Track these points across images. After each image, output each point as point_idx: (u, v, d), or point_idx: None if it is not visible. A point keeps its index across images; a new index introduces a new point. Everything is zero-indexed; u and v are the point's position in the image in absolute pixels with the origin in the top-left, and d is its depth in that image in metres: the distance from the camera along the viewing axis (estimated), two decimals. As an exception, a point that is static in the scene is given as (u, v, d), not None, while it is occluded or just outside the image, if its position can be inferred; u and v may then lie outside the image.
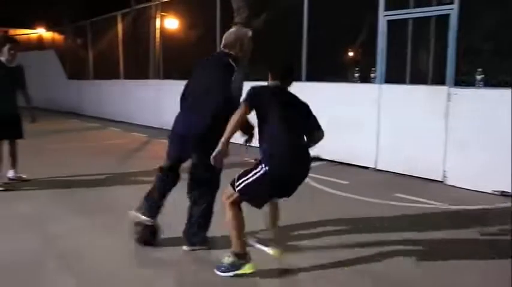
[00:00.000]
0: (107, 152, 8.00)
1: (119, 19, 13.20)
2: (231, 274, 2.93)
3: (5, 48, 5.33)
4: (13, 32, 23.04)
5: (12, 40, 5.59)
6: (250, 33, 3.46)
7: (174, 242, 3.47)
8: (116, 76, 13.34)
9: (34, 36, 21.15)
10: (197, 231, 3.38)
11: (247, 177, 2.84)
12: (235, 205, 2.91)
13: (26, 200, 4.84)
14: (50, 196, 5.01)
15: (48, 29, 20.10)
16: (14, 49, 5.42)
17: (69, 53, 17.03)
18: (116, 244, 3.58)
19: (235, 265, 2.93)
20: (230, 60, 3.26)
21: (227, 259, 2.95)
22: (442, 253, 3.39)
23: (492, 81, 5.73)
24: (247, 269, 2.93)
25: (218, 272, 2.97)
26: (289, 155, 2.85)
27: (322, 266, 3.13)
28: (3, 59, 5.37)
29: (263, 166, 2.81)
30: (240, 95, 3.27)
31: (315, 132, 3.07)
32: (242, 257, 2.94)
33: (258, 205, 2.98)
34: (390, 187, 5.44)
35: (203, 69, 3.45)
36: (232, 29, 3.47)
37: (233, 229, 2.91)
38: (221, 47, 3.42)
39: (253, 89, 2.94)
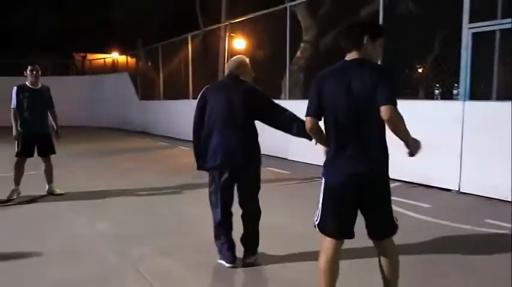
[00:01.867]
0: (179, 170, 8.13)
1: (189, 41, 13.61)
2: None
3: (27, 72, 5.78)
4: (90, 56, 24.69)
5: (30, 64, 5.93)
6: (246, 59, 3.64)
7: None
8: (185, 96, 13.71)
9: (109, 60, 22.43)
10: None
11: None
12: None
13: (107, 218, 4.96)
14: (129, 213, 5.11)
15: (122, 52, 21.23)
16: (34, 71, 5.79)
17: (141, 75, 17.82)
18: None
19: None
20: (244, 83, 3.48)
21: None
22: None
23: None
24: None
25: None
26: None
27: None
28: (27, 82, 5.81)
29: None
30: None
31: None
32: None
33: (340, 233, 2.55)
34: (478, 212, 5.00)
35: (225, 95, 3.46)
36: (233, 58, 3.64)
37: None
38: (228, 73, 3.55)
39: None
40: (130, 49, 19.59)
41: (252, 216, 3.49)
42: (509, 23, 5.64)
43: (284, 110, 3.54)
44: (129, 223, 4.73)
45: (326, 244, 2.54)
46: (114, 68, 21.52)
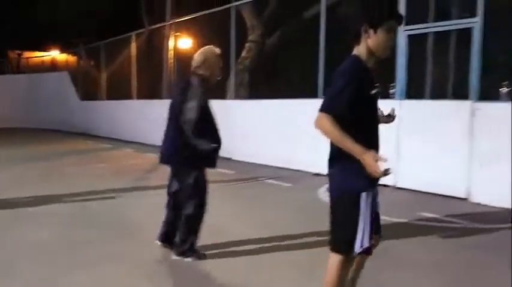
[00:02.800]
0: (122, 173, 7.90)
1: (133, 40, 13.29)
2: None
3: None
4: (27, 54, 23.45)
5: None
6: (217, 51, 3.55)
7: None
8: (129, 97, 13.38)
9: (47, 58, 21.43)
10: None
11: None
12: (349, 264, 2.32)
13: (44, 226, 4.71)
14: (69, 219, 4.88)
15: (62, 51, 20.37)
16: None
17: (82, 75, 17.19)
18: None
19: None
20: (191, 80, 3.40)
21: None
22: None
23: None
24: None
25: None
26: None
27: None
28: None
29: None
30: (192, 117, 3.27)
31: None
32: None
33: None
34: (413, 206, 5.23)
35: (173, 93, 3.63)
36: (202, 49, 3.58)
37: None
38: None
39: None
40: (70, 47, 18.85)
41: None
42: (441, 26, 5.97)
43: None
44: (66, 230, 4.49)
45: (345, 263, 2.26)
46: (53, 66, 20.59)
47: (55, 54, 21.20)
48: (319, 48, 7.28)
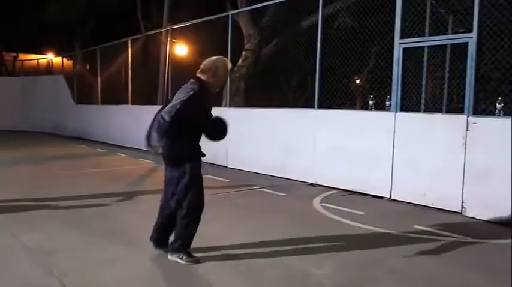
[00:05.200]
0: (117, 178, 7.87)
1: (129, 45, 13.30)
2: None
3: None
4: (23, 56, 23.37)
5: None
6: (228, 63, 3.67)
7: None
8: (125, 102, 13.35)
9: (43, 61, 21.35)
10: None
11: None
12: None
13: (35, 229, 4.68)
14: (63, 223, 4.85)
15: (58, 54, 20.31)
16: None
17: (78, 78, 17.14)
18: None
19: None
20: (190, 84, 3.51)
21: None
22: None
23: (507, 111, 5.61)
24: None
25: None
26: None
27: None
28: None
29: None
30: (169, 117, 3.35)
31: None
32: None
33: None
34: (408, 218, 5.26)
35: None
36: (215, 57, 3.65)
37: None
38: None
39: None
40: (66, 51, 18.80)
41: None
42: (436, 40, 6.03)
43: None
44: (59, 235, 4.47)
45: None
46: (48, 69, 20.49)
47: (51, 57, 21.13)
48: (316, 58, 7.32)
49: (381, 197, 6.32)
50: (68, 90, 17.05)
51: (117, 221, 4.98)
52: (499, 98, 5.19)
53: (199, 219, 3.60)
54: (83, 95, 16.49)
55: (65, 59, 18.96)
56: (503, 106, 5.18)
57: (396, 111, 6.14)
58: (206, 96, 3.57)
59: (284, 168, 7.79)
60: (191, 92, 3.44)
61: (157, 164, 9.55)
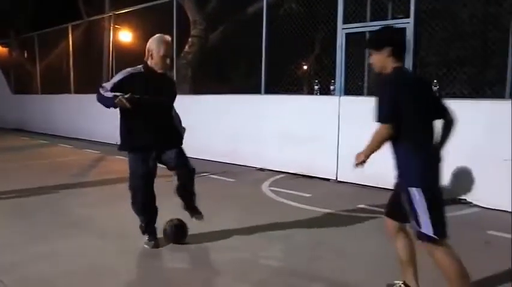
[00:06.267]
0: (59, 169, 7.57)
1: (69, 31, 12.74)
2: None
3: None
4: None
5: None
6: (161, 38, 3.50)
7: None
8: (66, 91, 12.81)
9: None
10: None
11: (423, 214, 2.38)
12: (444, 246, 2.40)
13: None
14: (4, 216, 4.62)
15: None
16: None
17: (15, 67, 16.23)
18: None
19: None
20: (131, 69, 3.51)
21: None
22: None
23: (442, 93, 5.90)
24: None
25: None
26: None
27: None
28: None
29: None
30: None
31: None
32: None
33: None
34: (352, 199, 5.44)
35: None
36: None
37: (456, 281, 2.36)
38: None
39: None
40: (0, 37, 17.70)
41: None
42: (376, 25, 6.20)
43: None
44: (1, 228, 4.27)
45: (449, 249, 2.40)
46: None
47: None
48: (261, 44, 7.34)
49: (328, 180, 6.50)
50: (4, 79, 16.13)
51: (60, 213, 4.80)
52: (435, 81, 5.44)
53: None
54: (21, 84, 15.68)
55: (-1, 47, 17.89)
56: (438, 89, 5.42)
57: (340, 95, 6.30)
58: (149, 77, 3.52)
59: (233, 154, 7.81)
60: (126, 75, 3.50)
61: (103, 153, 9.29)
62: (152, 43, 3.51)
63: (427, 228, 2.37)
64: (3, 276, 3.13)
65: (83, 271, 3.24)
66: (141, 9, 10.12)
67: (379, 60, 2.59)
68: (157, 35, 3.54)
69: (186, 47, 10.29)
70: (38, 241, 3.89)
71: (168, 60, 3.56)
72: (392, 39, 2.59)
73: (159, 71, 3.53)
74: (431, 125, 2.52)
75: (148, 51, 3.52)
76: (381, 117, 2.51)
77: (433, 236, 2.35)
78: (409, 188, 2.44)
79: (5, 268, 3.28)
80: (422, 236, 2.39)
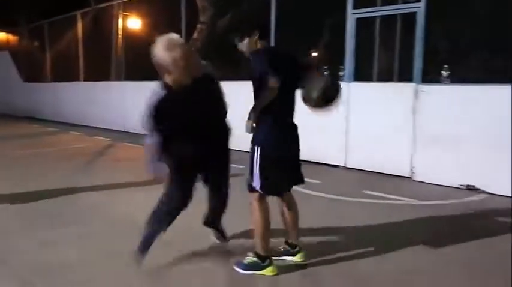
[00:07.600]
0: (72, 156, 7.64)
1: (78, 19, 12.75)
2: (250, 272, 2.91)
3: None
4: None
5: None
6: (171, 42, 2.80)
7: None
8: (76, 78, 12.87)
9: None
10: None
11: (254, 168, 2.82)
12: (261, 202, 2.89)
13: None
14: (16, 207, 4.68)
15: (2, 29, 19.19)
16: None
17: (24, 55, 16.32)
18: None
19: (256, 266, 2.90)
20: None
21: (248, 258, 2.93)
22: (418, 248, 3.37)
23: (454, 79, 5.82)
24: (268, 271, 2.89)
25: (238, 269, 2.95)
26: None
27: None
28: None
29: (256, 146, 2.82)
30: None
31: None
32: (264, 259, 2.90)
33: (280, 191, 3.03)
34: (360, 185, 5.43)
35: None
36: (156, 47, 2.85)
37: (258, 230, 2.88)
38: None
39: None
40: (11, 25, 17.78)
41: None
42: (387, 10, 6.13)
43: None
44: (10, 215, 4.33)
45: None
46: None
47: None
48: (270, 32, 7.28)
49: (337, 166, 6.49)
50: (14, 67, 16.24)
51: (71, 200, 4.86)
52: (445, 66, 5.36)
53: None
54: (32, 72, 15.76)
55: (9, 35, 17.95)
56: (449, 74, 5.35)
57: (350, 82, 6.25)
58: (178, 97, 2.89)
59: (242, 140, 7.79)
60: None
61: (112, 141, 9.35)
62: (163, 55, 2.74)
63: (256, 182, 2.81)
64: (14, 262, 3.18)
65: (94, 257, 3.29)
66: (149, -4, 10.10)
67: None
68: (160, 39, 2.78)
69: (195, 33, 10.24)
70: (48, 227, 3.94)
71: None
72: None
73: (186, 81, 2.87)
74: (288, 97, 3.00)
75: (161, 67, 2.77)
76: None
77: (259, 190, 2.81)
78: (252, 145, 2.88)
79: (15, 254, 3.33)
80: (252, 189, 2.85)
